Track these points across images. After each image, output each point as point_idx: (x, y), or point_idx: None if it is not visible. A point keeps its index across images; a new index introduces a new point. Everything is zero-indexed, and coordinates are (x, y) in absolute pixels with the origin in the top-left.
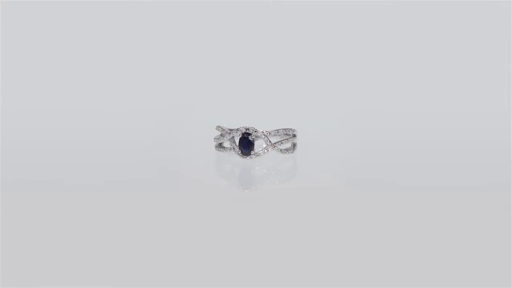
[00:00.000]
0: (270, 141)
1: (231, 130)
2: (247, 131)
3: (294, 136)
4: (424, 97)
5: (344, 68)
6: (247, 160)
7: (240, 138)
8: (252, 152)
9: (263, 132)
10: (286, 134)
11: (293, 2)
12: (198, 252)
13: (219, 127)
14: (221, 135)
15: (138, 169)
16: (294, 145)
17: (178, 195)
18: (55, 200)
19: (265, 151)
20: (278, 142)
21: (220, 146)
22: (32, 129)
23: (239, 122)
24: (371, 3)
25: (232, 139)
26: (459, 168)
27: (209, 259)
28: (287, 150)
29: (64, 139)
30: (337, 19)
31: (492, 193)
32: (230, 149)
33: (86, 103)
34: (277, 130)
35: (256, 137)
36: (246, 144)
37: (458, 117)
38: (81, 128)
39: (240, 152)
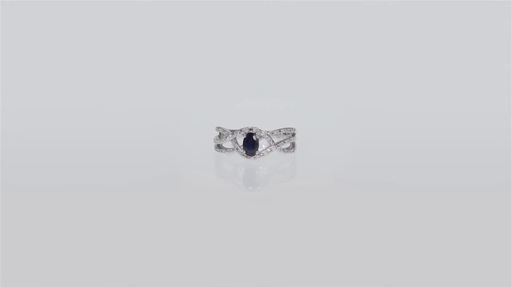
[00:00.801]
0: (273, 141)
1: (233, 131)
2: (251, 131)
3: (294, 135)
4: (424, 97)
5: (344, 68)
6: (248, 161)
7: (244, 138)
8: (257, 152)
9: (266, 132)
10: (285, 134)
11: (293, 2)
12: (203, 251)
13: (220, 128)
14: (221, 135)
15: (139, 169)
16: (293, 145)
17: (181, 196)
18: (55, 200)
19: (269, 150)
20: (281, 141)
21: (219, 147)
22: (32, 129)
23: (238, 123)
24: (371, 3)
25: (234, 140)
26: (459, 168)
27: (213, 259)
28: (288, 149)
29: (64, 139)
30: (337, 19)
31: (492, 193)
32: (233, 149)
33: (86, 103)
34: (279, 129)
35: (260, 137)
36: (251, 144)
37: (458, 117)
38: (81, 128)
39: (244, 152)
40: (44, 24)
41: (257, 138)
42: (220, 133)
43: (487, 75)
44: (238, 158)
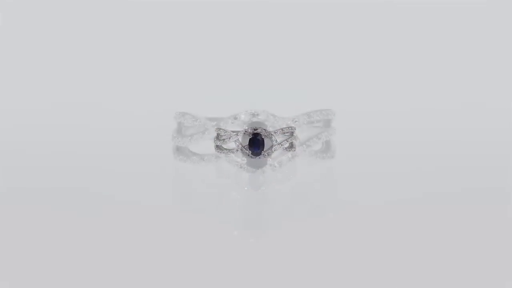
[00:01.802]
0: (276, 140)
1: (235, 131)
2: (256, 131)
3: (292, 134)
4: (424, 97)
5: (343, 69)
6: (249, 161)
7: (250, 139)
8: (262, 152)
9: (270, 132)
10: (285, 133)
11: (293, 2)
12: (203, 252)
13: (220, 129)
14: (219, 136)
15: (139, 169)
16: (292, 144)
17: (179, 197)
18: (53, 200)
19: (273, 150)
20: (283, 141)
21: (218, 147)
22: (32, 129)
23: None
24: (371, 3)
25: (237, 140)
26: (460, 169)
27: (213, 259)
28: (288, 148)
29: (64, 139)
30: (337, 20)
31: (493, 194)
32: (236, 150)
33: (86, 103)
34: (281, 129)
35: (265, 136)
36: (257, 144)
37: (458, 117)
38: (81, 128)
39: (250, 152)
40: (45, 24)
41: (262, 138)
42: (218, 133)
43: (488, 75)
44: (239, 159)
